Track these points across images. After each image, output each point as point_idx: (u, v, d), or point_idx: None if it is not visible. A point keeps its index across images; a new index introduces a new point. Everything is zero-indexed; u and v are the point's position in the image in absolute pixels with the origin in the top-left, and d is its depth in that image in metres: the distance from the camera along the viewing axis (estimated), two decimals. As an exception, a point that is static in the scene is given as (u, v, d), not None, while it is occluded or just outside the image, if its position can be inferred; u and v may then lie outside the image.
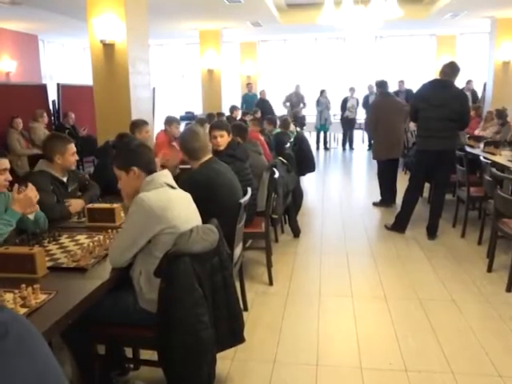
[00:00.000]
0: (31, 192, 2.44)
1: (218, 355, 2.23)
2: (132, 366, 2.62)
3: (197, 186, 2.82)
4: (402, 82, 11.20)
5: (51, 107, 9.03)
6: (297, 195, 5.30)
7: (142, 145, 2.33)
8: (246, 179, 3.45)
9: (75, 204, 3.02)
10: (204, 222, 2.33)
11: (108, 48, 5.36)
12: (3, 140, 7.16)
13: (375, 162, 6.50)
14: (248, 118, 7.78)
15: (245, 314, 3.24)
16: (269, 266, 3.85)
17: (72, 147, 3.12)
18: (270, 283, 3.80)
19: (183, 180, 3.02)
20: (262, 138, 5.42)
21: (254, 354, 2.82)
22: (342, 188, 7.93)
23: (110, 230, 2.54)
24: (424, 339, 2.95)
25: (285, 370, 2.66)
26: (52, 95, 9.10)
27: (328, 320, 3.23)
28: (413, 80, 12.09)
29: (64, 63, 13.56)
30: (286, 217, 5.23)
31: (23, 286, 1.80)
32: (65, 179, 3.17)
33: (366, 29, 10.03)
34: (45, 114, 7.91)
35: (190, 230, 2.06)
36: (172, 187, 2.20)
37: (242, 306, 3.28)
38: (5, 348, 0.86)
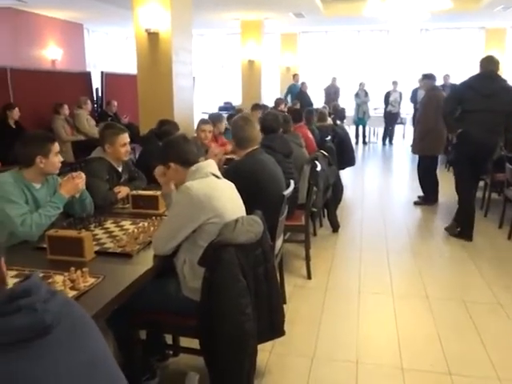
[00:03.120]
0: (78, 178, 2.49)
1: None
2: (171, 352, 2.64)
3: (242, 176, 2.81)
4: (447, 76, 10.86)
5: (95, 95, 9.22)
6: (337, 189, 5.22)
7: (173, 139, 2.32)
8: (288, 172, 3.40)
9: (123, 191, 3.05)
10: (247, 212, 2.30)
11: (152, 37, 5.39)
12: (49, 126, 7.34)
13: (416, 158, 6.33)
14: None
15: (284, 306, 3.24)
16: (307, 259, 3.81)
17: (123, 138, 3.10)
18: (309, 277, 3.76)
19: (228, 170, 3.01)
20: (308, 131, 5.35)
21: (292, 347, 2.80)
22: (382, 184, 7.78)
23: (153, 217, 2.56)
24: (468, 342, 2.85)
25: (324, 366, 2.63)
26: (96, 83, 9.29)
27: (368, 317, 3.17)
28: (459, 75, 11.69)
29: (107, 52, 13.80)
30: (325, 210, 5.16)
31: (72, 268, 1.82)
32: (120, 169, 3.21)
33: (412, 21, 9.77)
34: (88, 102, 8.07)
35: (236, 220, 2.04)
36: (217, 177, 2.19)
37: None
38: (56, 338, 0.86)
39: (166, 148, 2.27)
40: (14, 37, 9.67)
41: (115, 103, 8.83)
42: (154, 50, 5.43)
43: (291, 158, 3.70)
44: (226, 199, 2.13)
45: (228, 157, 4.00)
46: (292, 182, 3.12)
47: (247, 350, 2.00)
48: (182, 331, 2.27)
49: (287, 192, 2.83)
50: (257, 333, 2.14)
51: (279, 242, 3.00)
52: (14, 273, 1.90)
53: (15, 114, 6.52)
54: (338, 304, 3.36)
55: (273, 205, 2.75)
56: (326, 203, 4.92)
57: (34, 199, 2.46)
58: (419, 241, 4.78)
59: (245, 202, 2.43)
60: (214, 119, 5.08)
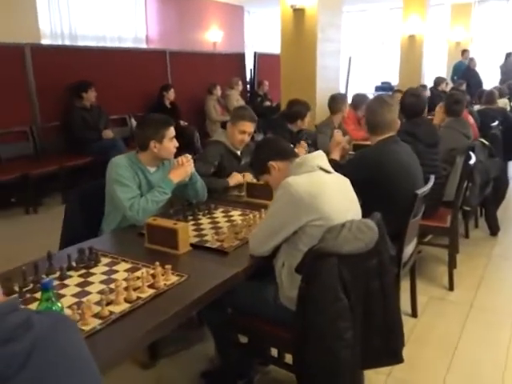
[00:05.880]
0: (187, 162, 2.38)
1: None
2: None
3: (366, 166, 2.47)
4: None
5: (248, 75, 9.37)
6: (500, 184, 4.39)
7: (261, 142, 2.17)
8: (430, 165, 2.87)
9: (235, 177, 2.88)
10: (369, 210, 1.94)
11: (298, 13, 5.14)
12: (202, 106, 7.66)
13: None
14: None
15: (413, 321, 2.80)
16: (451, 266, 3.24)
17: (244, 125, 2.94)
18: (451, 288, 3.19)
19: (351, 159, 2.66)
20: (469, 115, 4.60)
21: (415, 373, 2.36)
22: None
23: (263, 210, 2.34)
24: None
25: (452, 406, 2.16)
26: (250, 64, 9.42)
27: (522, 350, 2.55)
28: None
29: (264, 33, 13.94)
30: (483, 209, 4.41)
31: (157, 263, 1.69)
32: (238, 152, 3.08)
33: None
34: (240, 82, 8.21)
35: (342, 224, 1.70)
36: (326, 171, 1.86)
37: (410, 312, 2.84)
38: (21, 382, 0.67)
39: (259, 152, 2.05)
40: (181, 21, 10.27)
41: (266, 83, 8.86)
42: (298, 26, 5.18)
43: (437, 148, 3.14)
44: (335, 198, 1.80)
45: (362, 143, 3.57)
46: (432, 177, 2.61)
47: (343, 379, 1.67)
48: (276, 342, 2.02)
49: (422, 191, 2.35)
50: (366, 356, 1.81)
51: (409, 249, 2.55)
52: (107, 260, 1.85)
53: (171, 94, 6.89)
54: (484, 327, 2.77)
55: (402, 204, 2.32)
56: (483, 201, 4.18)
57: (147, 183, 2.43)
58: None
59: (366, 198, 2.09)
60: (356, 101, 4.65)
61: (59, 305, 1.21)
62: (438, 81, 7.36)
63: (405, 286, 2.76)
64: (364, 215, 1.93)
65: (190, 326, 2.61)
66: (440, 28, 12.49)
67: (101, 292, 1.53)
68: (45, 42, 7.20)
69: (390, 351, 1.92)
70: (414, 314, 2.85)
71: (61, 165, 5.24)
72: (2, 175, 4.84)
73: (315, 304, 1.63)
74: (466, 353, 2.52)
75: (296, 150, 2.27)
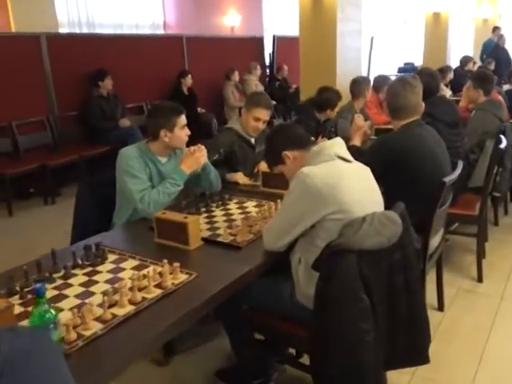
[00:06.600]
0: (199, 152, 2.27)
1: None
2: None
3: (389, 149, 2.34)
4: None
5: (267, 60, 9.16)
6: (531, 169, 4.17)
7: (275, 129, 2.03)
8: (451, 147, 2.67)
9: (236, 176, 2.74)
10: (392, 198, 1.80)
11: (316, -7, 4.95)
12: (220, 92, 7.53)
13: None
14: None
15: (440, 315, 2.67)
16: (480, 256, 3.08)
17: (259, 112, 2.80)
18: (479, 279, 3.03)
19: (373, 144, 2.51)
20: (499, 95, 4.34)
21: (442, 371, 2.23)
22: None
23: (279, 200, 2.22)
24: None
25: (483, 407, 2.03)
26: (269, 48, 9.20)
27: (557, 347, 2.39)
28: None
29: (283, 15, 13.63)
30: (513, 195, 4.21)
31: (165, 260, 1.60)
32: (252, 140, 2.95)
33: None
34: (258, 67, 8.02)
35: (363, 218, 1.57)
36: (345, 160, 1.73)
37: (437, 306, 2.71)
38: None
39: (273, 141, 1.92)
40: (198, 6, 10.09)
41: (286, 67, 8.65)
42: (317, 5, 4.99)
43: (458, 128, 2.94)
44: (355, 189, 1.67)
45: (384, 127, 3.40)
46: (460, 163, 2.45)
47: (366, 382, 1.56)
48: (293, 341, 1.92)
49: (450, 178, 2.20)
50: (390, 356, 1.70)
51: (437, 239, 2.40)
52: (114, 257, 1.77)
53: (188, 81, 6.77)
54: (516, 321, 2.63)
55: (428, 192, 2.18)
56: (513, 186, 3.97)
57: (158, 174, 2.33)
58: None
59: (389, 185, 1.98)
60: (378, 83, 4.44)
61: (53, 312, 1.12)
62: (465, 60, 7.02)
63: (431, 277, 2.62)
64: (386, 205, 1.80)
65: (206, 320, 2.52)
66: (466, 5, 11.98)
67: (104, 293, 1.44)
68: (62, 30, 7.14)
69: (415, 351, 1.81)
70: (441, 308, 2.71)
71: (79, 154, 5.21)
72: (21, 166, 4.84)
73: (334, 304, 1.51)
74: (497, 348, 2.38)
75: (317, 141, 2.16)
